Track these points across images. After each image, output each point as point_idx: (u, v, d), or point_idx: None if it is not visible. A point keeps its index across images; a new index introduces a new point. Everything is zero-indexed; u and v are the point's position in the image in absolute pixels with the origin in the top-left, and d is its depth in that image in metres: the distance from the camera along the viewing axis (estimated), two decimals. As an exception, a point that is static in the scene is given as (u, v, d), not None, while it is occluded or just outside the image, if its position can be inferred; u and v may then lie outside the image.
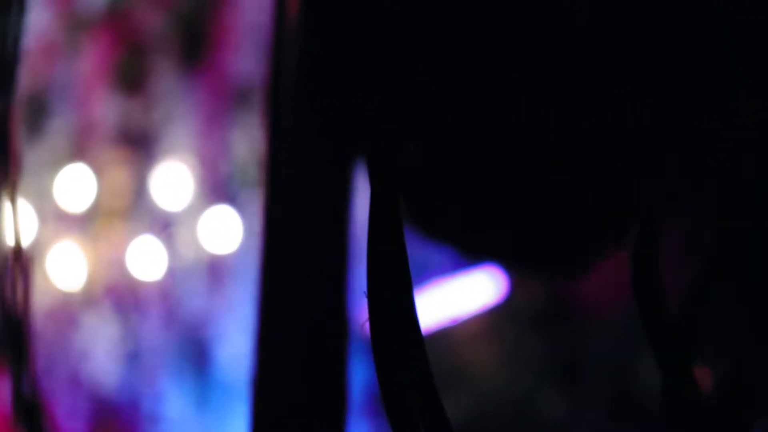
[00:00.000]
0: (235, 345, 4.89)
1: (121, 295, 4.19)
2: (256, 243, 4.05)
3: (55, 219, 3.92)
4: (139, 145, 4.71)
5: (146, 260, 4.11)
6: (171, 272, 4.22)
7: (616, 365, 3.75)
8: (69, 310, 4.08)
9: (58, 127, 4.22)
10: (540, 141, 0.92)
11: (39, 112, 4.37)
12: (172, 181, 4.07)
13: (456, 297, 3.14)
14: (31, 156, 4.33)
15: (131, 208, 4.36)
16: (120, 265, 4.16)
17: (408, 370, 0.74)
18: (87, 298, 4.15)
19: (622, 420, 3.77)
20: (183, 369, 5.35)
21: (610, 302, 3.24)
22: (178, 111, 4.25)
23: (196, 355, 5.54)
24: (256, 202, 4.46)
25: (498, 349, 3.76)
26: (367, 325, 0.80)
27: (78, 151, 4.48)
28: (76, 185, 3.93)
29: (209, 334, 5.37)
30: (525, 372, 3.96)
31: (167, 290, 4.17)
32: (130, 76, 4.31)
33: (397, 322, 0.75)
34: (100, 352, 4.64)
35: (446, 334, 3.34)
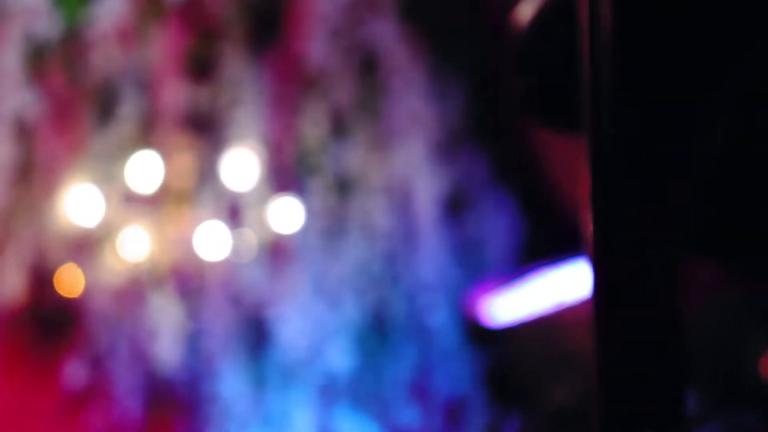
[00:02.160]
0: (295, 326, 4.93)
1: (187, 277, 4.24)
2: (319, 226, 4.08)
3: (125, 202, 3.98)
4: (208, 131, 4.76)
5: (212, 243, 4.16)
6: (235, 255, 4.26)
7: (722, 347, 3.77)
8: (136, 290, 4.14)
9: (129, 113, 4.27)
10: None
11: (111, 97, 4.42)
12: (239, 165, 4.11)
13: (561, 285, 3.16)
14: (102, 140, 4.39)
15: (198, 192, 4.41)
16: (186, 247, 4.21)
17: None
18: (153, 279, 4.21)
19: (730, 400, 3.79)
20: (244, 349, 5.41)
21: (713, 288, 3.27)
22: (246, 97, 4.29)
23: (256, 336, 5.60)
24: (320, 187, 4.49)
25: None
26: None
27: (148, 136, 4.54)
28: (145, 169, 3.99)
29: (270, 315, 5.43)
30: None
31: (231, 272, 4.22)
32: (201, 63, 4.36)
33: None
34: (164, 331, 4.71)
35: (557, 323, 3.33)
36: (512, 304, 3.08)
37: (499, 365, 4.57)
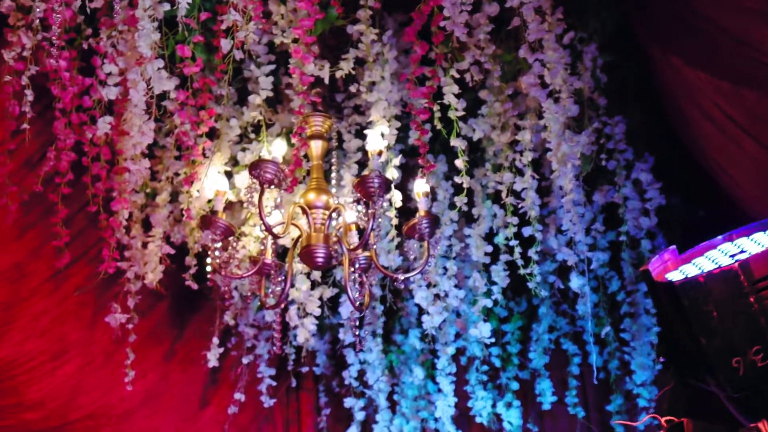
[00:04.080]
0: (432, 305, 4.88)
1: (324, 256, 4.20)
2: (455, 202, 3.95)
3: (262, 183, 3.96)
4: (343, 108, 4.72)
5: (348, 222, 4.13)
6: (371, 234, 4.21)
7: None
8: (274, 269, 4.13)
9: (265, 93, 4.26)
10: None
11: (246, 79, 4.40)
12: (376, 143, 4.05)
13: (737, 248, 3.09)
14: (238, 122, 4.39)
15: (335, 172, 4.40)
16: (323, 226, 4.17)
17: None
18: (291, 258, 4.19)
19: None
20: (381, 329, 5.38)
21: None
22: (382, 72, 4.25)
23: (393, 315, 5.57)
24: (456, 161, 4.43)
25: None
26: None
27: (283, 116, 4.52)
28: (281, 150, 3.97)
29: (408, 294, 5.38)
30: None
31: (369, 251, 4.18)
32: (335, 39, 4.34)
33: None
34: (302, 310, 4.72)
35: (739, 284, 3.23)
36: (687, 268, 3.01)
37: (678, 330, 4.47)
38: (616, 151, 4.79)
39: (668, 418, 2.98)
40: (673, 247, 3.17)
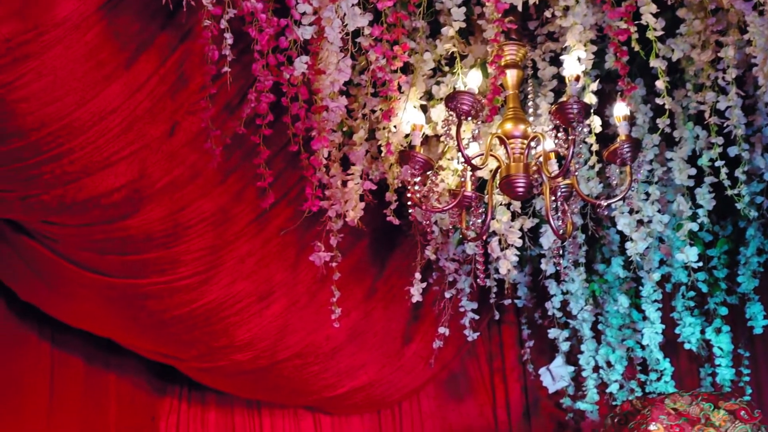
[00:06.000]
0: (635, 232, 4.79)
1: (523, 186, 4.15)
2: (654, 126, 3.86)
3: (459, 115, 3.94)
4: (536, 37, 4.65)
5: (544, 152, 4.07)
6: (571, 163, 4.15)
7: None
8: (473, 201, 4.11)
9: (457, 25, 4.20)
10: None
11: (437, 12, 4.37)
12: (573, 69, 3.97)
13: None
14: (432, 56, 4.36)
15: (530, 102, 4.35)
16: (521, 158, 4.13)
17: None
18: (489, 190, 4.16)
19: None
20: (583, 258, 5.31)
21: None
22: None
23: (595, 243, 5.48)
24: (654, 84, 4.32)
25: None
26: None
27: (476, 49, 4.47)
28: (477, 81, 3.93)
29: (609, 223, 5.27)
30: None
31: (568, 180, 4.12)
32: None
33: None
34: (502, 241, 4.70)
35: None
36: None
37: None
38: (826, 64, 4.58)
39: None
40: None
